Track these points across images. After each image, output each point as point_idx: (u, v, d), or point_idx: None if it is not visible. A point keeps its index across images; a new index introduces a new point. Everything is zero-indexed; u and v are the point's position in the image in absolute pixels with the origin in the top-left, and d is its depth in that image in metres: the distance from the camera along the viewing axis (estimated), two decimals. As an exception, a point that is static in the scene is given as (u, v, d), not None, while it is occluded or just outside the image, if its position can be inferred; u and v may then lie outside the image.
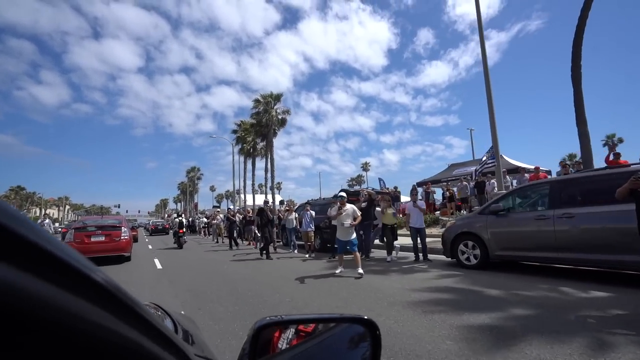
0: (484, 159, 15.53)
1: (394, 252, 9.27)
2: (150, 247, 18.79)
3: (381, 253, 10.06)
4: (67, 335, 0.25)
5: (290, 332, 0.87)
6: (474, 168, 18.14)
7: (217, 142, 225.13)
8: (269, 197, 32.59)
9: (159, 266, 10.71)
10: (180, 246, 16.11)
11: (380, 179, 29.42)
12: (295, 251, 12.41)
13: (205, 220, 23.96)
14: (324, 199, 15.20)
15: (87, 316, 0.26)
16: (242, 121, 38.76)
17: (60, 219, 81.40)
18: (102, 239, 10.81)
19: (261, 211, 12.16)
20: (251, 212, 17.44)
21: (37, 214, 74.30)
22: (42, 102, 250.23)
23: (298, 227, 12.47)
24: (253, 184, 37.65)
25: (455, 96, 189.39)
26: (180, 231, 16.01)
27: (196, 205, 68.34)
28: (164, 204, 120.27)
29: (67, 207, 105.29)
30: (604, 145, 61.87)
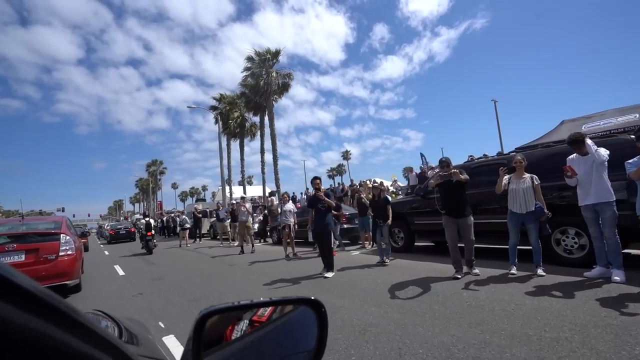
0: None
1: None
2: (118, 268, 11.27)
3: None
4: None
5: (243, 324, 0.83)
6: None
7: (173, 139, 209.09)
8: (266, 186, 25.63)
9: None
10: (149, 251, 13.19)
11: (422, 155, 23.67)
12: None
13: (185, 218, 16.39)
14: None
15: (16, 321, 0.26)
16: (222, 94, 31.05)
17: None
18: (21, 259, 5.67)
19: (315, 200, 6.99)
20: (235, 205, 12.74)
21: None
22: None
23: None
24: (243, 172, 30.12)
25: (410, 90, 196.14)
26: (149, 234, 13.39)
27: (161, 204, 58.66)
28: (118, 205, 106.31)
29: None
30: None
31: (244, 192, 30.76)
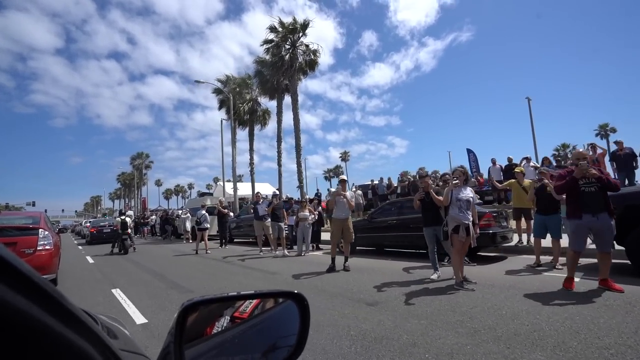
0: None
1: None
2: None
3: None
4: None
5: (224, 320, 0.82)
6: None
7: (156, 136, 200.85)
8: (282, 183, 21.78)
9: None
10: (124, 251, 12.12)
11: (469, 151, 20.37)
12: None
13: (204, 214, 11.80)
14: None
15: (12, 304, 0.27)
16: (227, 76, 26.98)
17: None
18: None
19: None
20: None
21: None
22: None
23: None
24: (252, 165, 26.01)
25: (396, 98, 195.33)
26: (126, 232, 12.53)
27: (145, 202, 53.41)
28: (96, 201, 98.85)
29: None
30: (597, 135, 61.30)
31: (252, 189, 26.67)
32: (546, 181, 6.07)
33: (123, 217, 13.36)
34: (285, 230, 10.09)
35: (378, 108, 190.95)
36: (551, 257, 6.21)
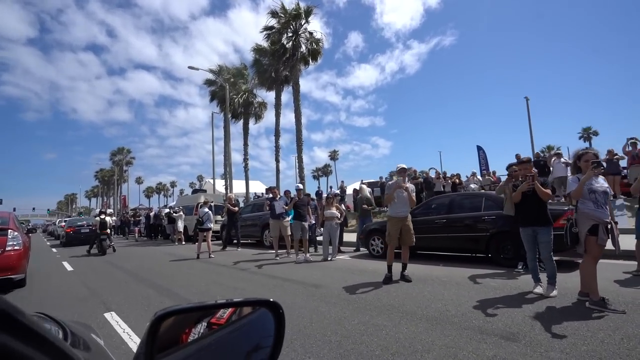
0: None
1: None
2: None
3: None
4: None
5: (201, 327, 0.78)
6: None
7: (135, 133, 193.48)
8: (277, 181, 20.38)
9: None
10: (102, 252, 11.49)
11: (479, 148, 19.49)
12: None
13: (208, 213, 10.08)
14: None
15: None
16: (220, 66, 25.22)
17: None
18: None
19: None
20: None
21: None
22: None
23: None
24: (246, 160, 24.37)
25: (381, 99, 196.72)
26: (104, 232, 11.85)
27: (125, 200, 50.52)
28: (71, 199, 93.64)
29: None
30: (580, 137, 62.68)
31: (246, 186, 25.06)
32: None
33: (102, 217, 12.26)
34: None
35: (363, 109, 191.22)
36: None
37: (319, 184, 71.47)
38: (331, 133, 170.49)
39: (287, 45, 19.03)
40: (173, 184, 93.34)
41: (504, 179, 7.80)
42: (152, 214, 18.34)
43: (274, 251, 8.88)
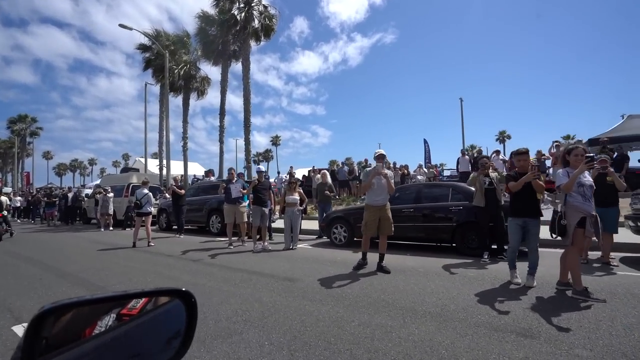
0: None
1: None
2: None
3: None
4: None
5: (110, 319, 0.70)
6: None
7: (42, 100, 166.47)
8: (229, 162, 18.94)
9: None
10: None
11: (425, 142, 20.40)
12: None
13: (149, 195, 8.59)
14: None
15: None
16: (157, 31, 22.38)
17: None
18: None
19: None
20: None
21: None
22: None
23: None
24: (185, 139, 22.23)
25: (323, 88, 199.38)
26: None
27: (28, 177, 43.09)
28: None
29: None
30: (497, 139, 70.61)
31: (185, 167, 23.02)
32: (610, 169, 5.41)
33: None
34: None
35: (304, 96, 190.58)
36: (599, 253, 5.63)
37: (268, 169, 69.65)
38: (272, 118, 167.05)
39: (238, 17, 17.47)
40: (92, 162, 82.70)
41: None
42: (70, 194, 15.54)
43: (224, 239, 8.02)
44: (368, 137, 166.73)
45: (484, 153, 15.85)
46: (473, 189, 6.23)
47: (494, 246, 6.11)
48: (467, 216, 6.40)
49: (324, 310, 3.42)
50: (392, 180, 5.46)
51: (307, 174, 18.56)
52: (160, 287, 0.79)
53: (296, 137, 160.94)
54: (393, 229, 5.37)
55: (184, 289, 0.75)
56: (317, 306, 3.56)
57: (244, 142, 18.70)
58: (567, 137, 62.10)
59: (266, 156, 74.91)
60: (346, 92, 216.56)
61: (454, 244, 6.65)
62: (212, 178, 17.33)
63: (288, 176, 18.11)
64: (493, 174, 6.14)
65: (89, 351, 0.65)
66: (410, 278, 4.67)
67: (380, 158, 5.42)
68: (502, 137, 68.58)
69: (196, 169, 31.54)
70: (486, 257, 5.84)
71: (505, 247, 6.05)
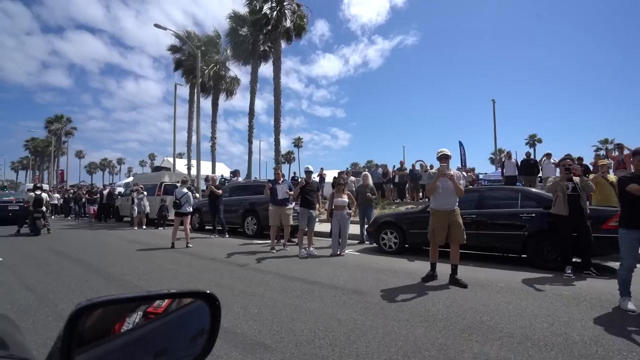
0: None
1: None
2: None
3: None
4: None
5: (137, 316, 0.74)
6: None
7: (75, 102, 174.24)
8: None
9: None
10: (36, 232, 10.39)
11: (460, 144, 19.50)
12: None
13: (187, 194, 8.37)
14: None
15: None
16: (188, 32, 22.58)
17: None
18: None
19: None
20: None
21: None
22: None
23: None
24: (214, 139, 22.27)
25: (343, 91, 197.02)
26: (39, 209, 10.55)
27: (62, 174, 44.81)
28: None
29: None
30: (526, 144, 67.71)
31: (213, 168, 23.08)
32: None
33: (38, 192, 10.98)
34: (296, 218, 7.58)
35: (325, 99, 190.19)
36: None
37: (289, 171, 69.83)
38: (292, 120, 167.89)
39: (270, 16, 17.25)
40: (120, 161, 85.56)
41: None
42: (105, 192, 15.74)
43: (261, 241, 7.63)
44: (389, 141, 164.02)
45: (513, 157, 14.77)
46: (549, 194, 5.55)
47: (577, 259, 5.39)
48: (541, 224, 5.72)
49: (418, 334, 2.89)
50: (462, 182, 4.89)
51: (336, 176, 18.08)
52: (186, 289, 0.86)
53: (316, 139, 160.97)
54: (465, 236, 4.79)
55: (208, 292, 0.78)
56: (407, 328, 3.03)
57: (273, 142, 18.41)
58: (605, 141, 58.96)
59: (288, 158, 75.01)
60: (366, 94, 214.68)
61: (523, 255, 5.97)
62: (239, 179, 17.16)
63: (318, 178, 17.69)
64: (576, 179, 5.44)
65: (119, 347, 0.69)
66: (495, 295, 4.07)
67: (444, 158, 4.86)
68: (533, 141, 65.68)
69: (223, 170, 31.74)
70: (569, 271, 5.13)
71: (592, 261, 5.37)
